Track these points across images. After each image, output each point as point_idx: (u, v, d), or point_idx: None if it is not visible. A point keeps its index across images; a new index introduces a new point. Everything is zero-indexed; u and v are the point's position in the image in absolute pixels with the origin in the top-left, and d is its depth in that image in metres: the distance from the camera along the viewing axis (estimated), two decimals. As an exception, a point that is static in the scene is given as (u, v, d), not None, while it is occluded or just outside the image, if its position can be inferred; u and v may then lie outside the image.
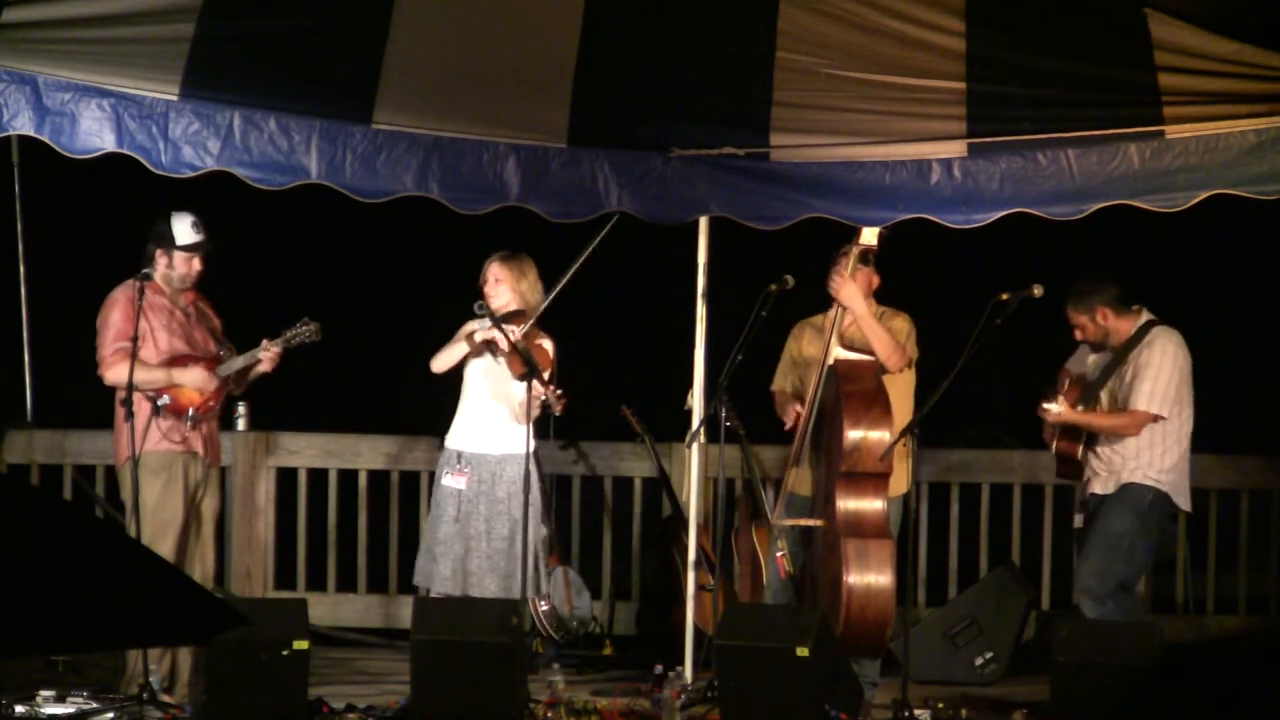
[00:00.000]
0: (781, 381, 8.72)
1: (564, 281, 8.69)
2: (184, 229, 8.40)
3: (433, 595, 8.73)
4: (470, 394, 8.84)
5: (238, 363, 8.48)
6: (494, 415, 8.78)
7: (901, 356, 8.37)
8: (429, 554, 8.78)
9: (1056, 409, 8.29)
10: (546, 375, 8.65)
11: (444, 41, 8.50)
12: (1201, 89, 8.08)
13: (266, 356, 8.47)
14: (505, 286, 8.78)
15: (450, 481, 8.75)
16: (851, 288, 8.37)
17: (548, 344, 8.79)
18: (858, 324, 8.41)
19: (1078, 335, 8.47)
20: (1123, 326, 8.41)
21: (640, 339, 10.96)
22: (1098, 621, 8.24)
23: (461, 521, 8.73)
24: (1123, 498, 8.34)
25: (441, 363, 8.79)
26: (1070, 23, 8.32)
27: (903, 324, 8.47)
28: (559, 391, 8.64)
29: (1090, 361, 8.54)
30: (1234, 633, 10.21)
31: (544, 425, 9.35)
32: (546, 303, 8.73)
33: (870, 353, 8.39)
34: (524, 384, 8.51)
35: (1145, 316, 8.44)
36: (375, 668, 9.64)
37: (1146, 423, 8.31)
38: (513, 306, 8.77)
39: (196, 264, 8.44)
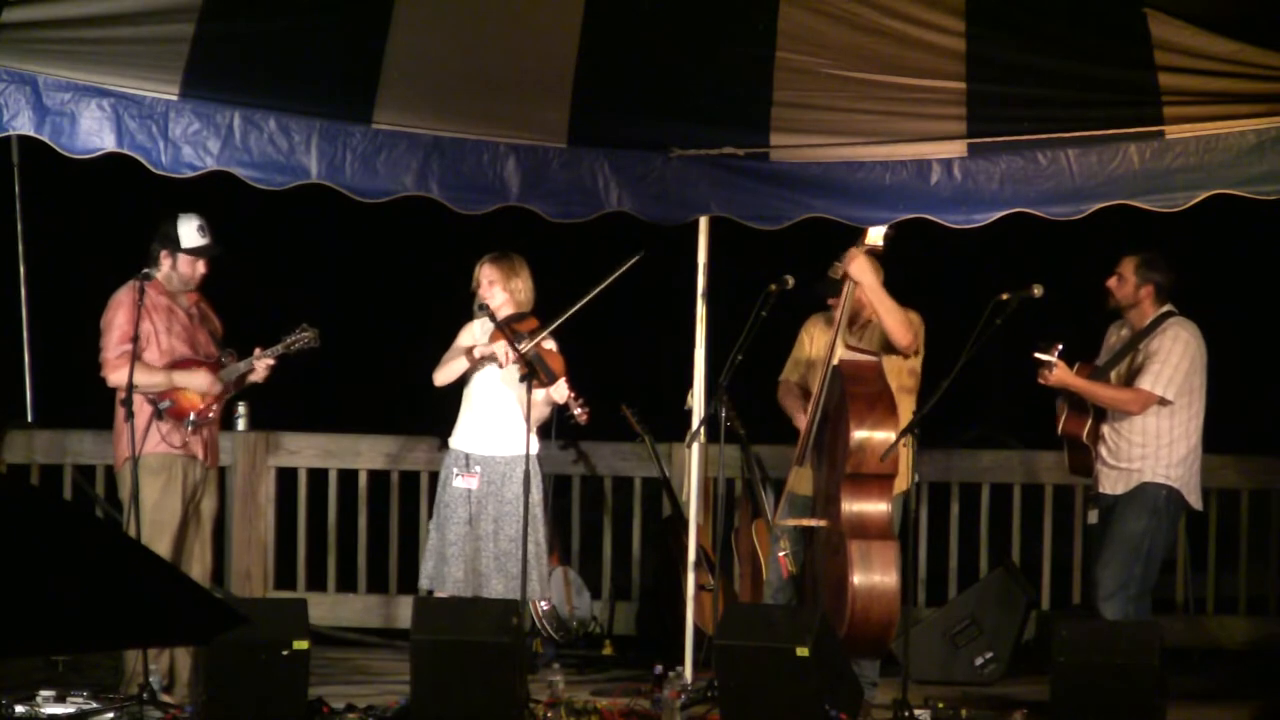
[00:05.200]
0: (789, 373, 8.72)
1: (580, 305, 8.64)
2: (190, 232, 8.39)
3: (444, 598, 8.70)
4: (477, 396, 8.81)
5: (239, 368, 8.48)
6: (502, 417, 8.76)
7: (911, 332, 8.34)
8: (439, 556, 8.71)
9: (1057, 368, 8.26)
10: (563, 382, 8.65)
11: (444, 41, 8.49)
12: (1201, 89, 8.08)
13: (259, 366, 8.47)
14: (498, 288, 8.77)
15: (461, 483, 8.72)
16: (862, 261, 8.34)
17: (554, 346, 8.77)
18: (866, 308, 8.39)
19: (1111, 283, 8.43)
20: (1147, 311, 8.40)
21: (640, 339, 10.96)
22: (1098, 621, 8.24)
23: (471, 523, 8.71)
24: (1137, 499, 8.33)
25: (443, 376, 8.76)
26: (1070, 23, 8.31)
27: (913, 316, 8.47)
28: (581, 399, 8.65)
29: (1109, 345, 8.54)
30: (1234, 632, 10.21)
31: (548, 427, 9.35)
32: (559, 322, 8.67)
33: (875, 353, 8.39)
34: (542, 389, 8.55)
35: (1167, 307, 8.43)
36: (375, 668, 9.64)
37: (1150, 403, 8.29)
38: (509, 309, 8.75)
39: (201, 267, 8.44)
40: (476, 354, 8.70)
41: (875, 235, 8.37)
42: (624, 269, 8.56)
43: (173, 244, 8.38)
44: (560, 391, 8.64)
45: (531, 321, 8.74)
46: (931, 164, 8.25)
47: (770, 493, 9.63)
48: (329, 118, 8.30)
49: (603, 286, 8.60)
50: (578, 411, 8.69)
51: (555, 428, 9.66)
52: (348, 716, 8.17)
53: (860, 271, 8.35)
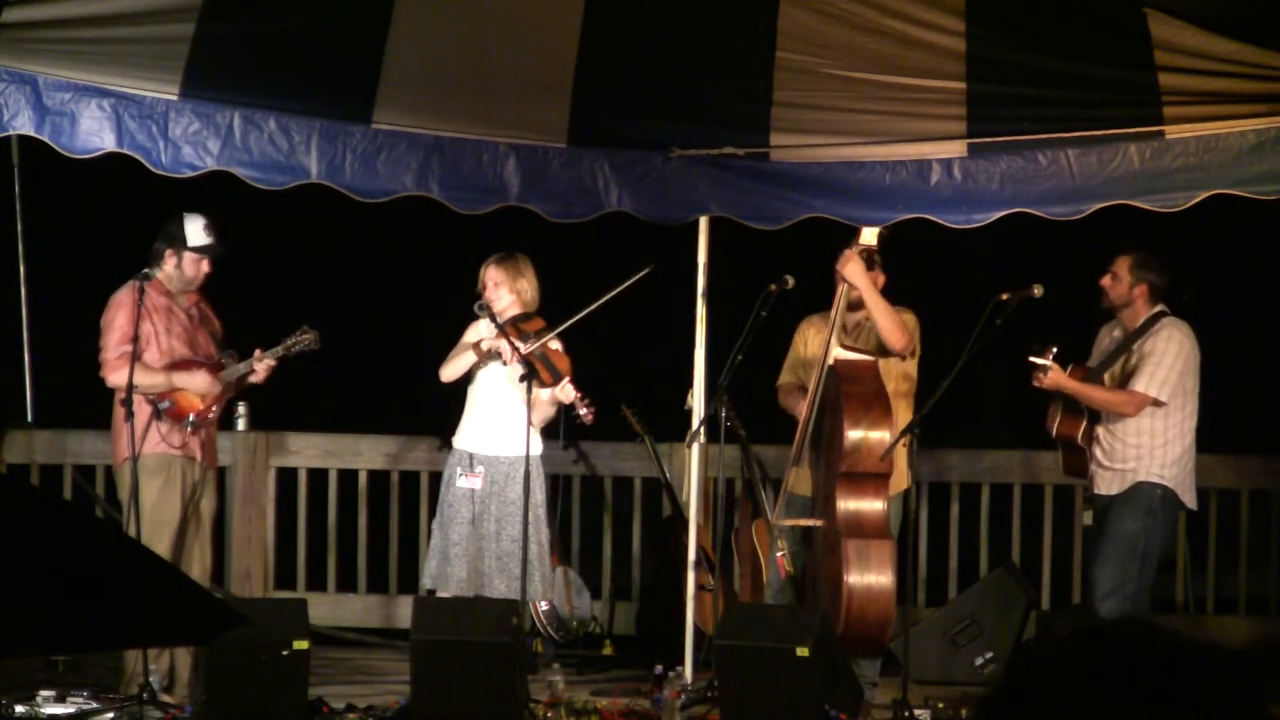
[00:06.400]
0: (787, 377, 8.72)
1: (584, 314, 8.64)
2: (196, 230, 8.39)
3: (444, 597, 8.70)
4: (481, 396, 8.81)
5: (239, 369, 8.47)
6: (506, 418, 8.75)
7: (905, 334, 8.34)
8: (442, 556, 8.71)
9: (1051, 371, 8.25)
10: (568, 381, 8.64)
11: (444, 41, 8.50)
12: (1201, 89, 8.08)
13: (260, 368, 8.46)
14: (504, 289, 8.77)
15: (465, 483, 8.72)
16: (856, 264, 8.35)
17: (560, 346, 8.76)
18: (861, 311, 8.40)
19: (1105, 281, 8.41)
20: (1140, 311, 8.40)
21: (640, 339, 10.96)
22: (1097, 622, 8.24)
23: (474, 523, 8.71)
24: (1132, 499, 8.33)
25: (450, 372, 8.77)
26: (1070, 23, 8.32)
27: (908, 317, 8.47)
28: (587, 399, 8.65)
29: (1102, 346, 8.53)
30: (1234, 632, 10.20)
31: (555, 427, 9.35)
32: (562, 329, 8.67)
33: (871, 353, 8.39)
34: (548, 389, 8.55)
35: (1160, 307, 8.43)
36: (375, 668, 9.64)
37: (1144, 405, 8.28)
38: (515, 309, 8.76)
39: (205, 266, 8.44)
40: (485, 347, 8.71)
41: (869, 235, 8.37)
42: (630, 282, 8.56)
43: (179, 243, 8.38)
44: (567, 392, 8.64)
45: (538, 321, 8.74)
46: (931, 164, 8.25)
47: (770, 493, 9.63)
48: (329, 118, 8.30)
49: (607, 298, 8.61)
50: (583, 411, 8.69)
51: (562, 428, 9.66)
52: (348, 716, 8.17)
53: (854, 274, 8.35)
